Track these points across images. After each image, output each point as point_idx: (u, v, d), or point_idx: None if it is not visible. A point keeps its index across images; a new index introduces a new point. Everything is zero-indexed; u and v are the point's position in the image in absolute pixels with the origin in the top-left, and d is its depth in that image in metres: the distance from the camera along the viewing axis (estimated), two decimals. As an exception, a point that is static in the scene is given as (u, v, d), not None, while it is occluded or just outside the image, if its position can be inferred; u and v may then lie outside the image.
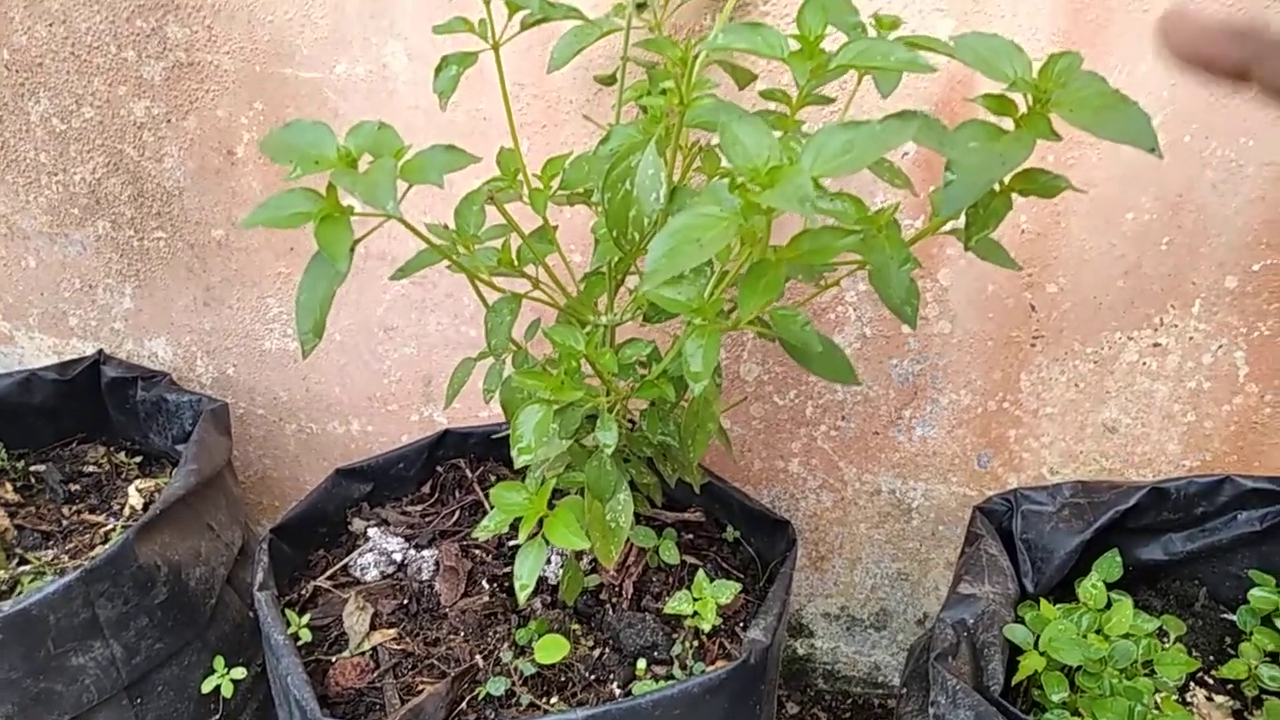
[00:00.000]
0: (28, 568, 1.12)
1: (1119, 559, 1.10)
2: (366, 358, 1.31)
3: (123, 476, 1.29)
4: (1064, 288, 1.12)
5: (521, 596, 0.83)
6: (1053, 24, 0.99)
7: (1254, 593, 1.03)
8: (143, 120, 1.22)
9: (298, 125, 0.68)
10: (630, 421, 0.93)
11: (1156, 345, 1.13)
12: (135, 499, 1.24)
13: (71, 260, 1.33)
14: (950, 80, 1.02)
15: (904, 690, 1.11)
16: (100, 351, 1.33)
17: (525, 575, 0.82)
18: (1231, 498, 1.07)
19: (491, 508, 1.13)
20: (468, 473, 1.22)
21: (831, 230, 0.62)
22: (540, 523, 0.82)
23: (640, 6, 0.83)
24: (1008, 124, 0.65)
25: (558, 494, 0.92)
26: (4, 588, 1.09)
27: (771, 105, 0.85)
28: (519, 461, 0.77)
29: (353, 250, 0.66)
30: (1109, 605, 1.03)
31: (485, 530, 0.89)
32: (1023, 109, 0.64)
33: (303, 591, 1.07)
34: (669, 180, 0.74)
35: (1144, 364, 1.14)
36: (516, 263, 0.87)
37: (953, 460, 1.24)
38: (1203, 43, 0.37)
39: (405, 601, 1.06)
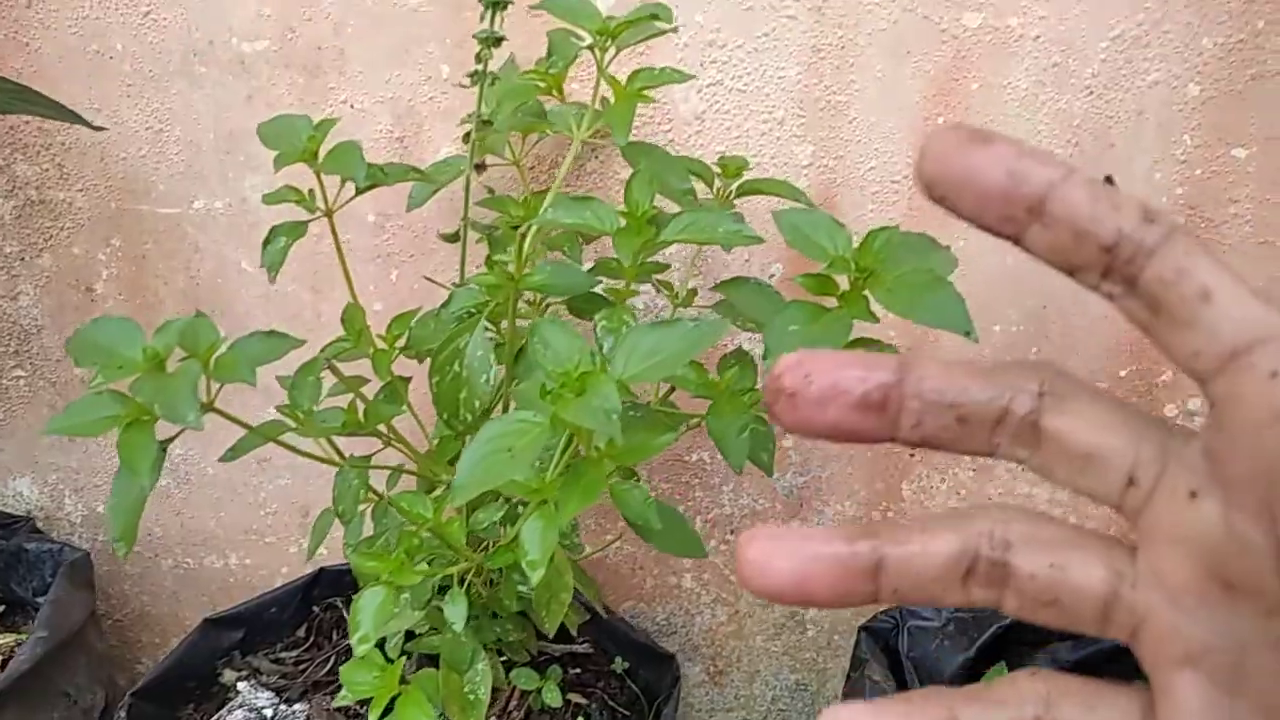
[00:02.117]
0: None
1: (1005, 671, 1.09)
2: (241, 490, 1.26)
3: (-18, 629, 1.22)
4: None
5: (380, 781, 0.79)
6: (910, 146, 0.99)
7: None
8: (-7, 259, 1.18)
9: (103, 323, 0.65)
10: (492, 579, 0.90)
11: (1034, 453, 1.13)
12: (-6, 654, 1.18)
13: (-75, 401, 1.27)
14: (820, 198, 1.03)
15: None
16: (-45, 498, 1.26)
17: (382, 760, 0.79)
18: (1111, 609, 1.07)
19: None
20: (345, 613, 1.17)
21: (650, 427, 0.60)
22: (392, 702, 0.79)
23: (479, 168, 0.81)
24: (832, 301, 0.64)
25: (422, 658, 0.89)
26: None
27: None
28: (358, 650, 0.73)
29: (162, 458, 0.63)
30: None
31: (342, 700, 0.85)
32: (845, 286, 0.64)
33: (167, 758, 1.02)
34: (512, 353, 0.72)
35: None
36: (364, 423, 0.84)
37: (843, 571, 1.23)
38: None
39: (275, 763, 1.01)
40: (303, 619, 1.17)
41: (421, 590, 0.79)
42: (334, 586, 1.18)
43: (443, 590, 0.81)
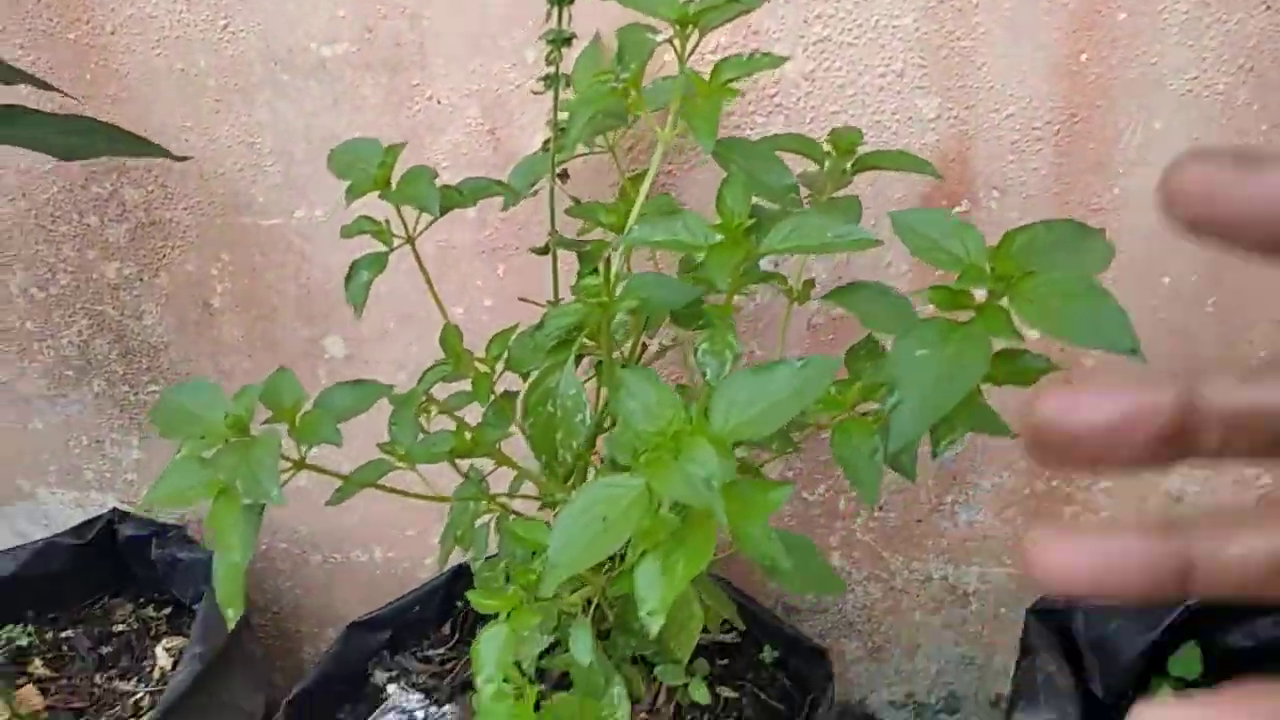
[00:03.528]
0: (58, 758, 1.10)
1: (1198, 653, 0.99)
2: (380, 484, 1.26)
3: (151, 634, 1.28)
4: (1101, 360, 1.00)
5: (519, 810, 0.77)
6: (1051, 89, 0.87)
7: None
8: (116, 281, 1.19)
9: (189, 387, 0.63)
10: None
11: (1219, 407, 1.01)
12: (164, 659, 1.22)
13: (75, 419, 1.31)
14: (951, 153, 0.92)
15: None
16: (114, 510, 1.31)
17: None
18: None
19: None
20: (486, 609, 1.16)
21: (765, 484, 0.53)
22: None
23: (562, 177, 0.75)
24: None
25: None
26: (34, 784, 1.08)
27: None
28: (485, 692, 0.70)
29: (255, 528, 0.60)
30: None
31: (483, 719, 0.83)
32: (980, 297, 0.55)
33: (325, 766, 1.03)
34: (608, 374, 0.66)
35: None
36: (473, 449, 0.80)
37: (1005, 542, 1.13)
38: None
39: (427, 770, 1.01)
40: (446, 615, 1.17)
41: (548, 620, 0.76)
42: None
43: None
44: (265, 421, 0.62)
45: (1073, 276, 0.51)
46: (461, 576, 1.16)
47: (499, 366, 0.78)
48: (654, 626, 0.61)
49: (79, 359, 1.26)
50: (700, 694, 1.02)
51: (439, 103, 0.97)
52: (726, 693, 1.04)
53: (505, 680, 0.72)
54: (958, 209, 0.94)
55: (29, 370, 1.29)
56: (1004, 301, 0.53)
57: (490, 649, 0.71)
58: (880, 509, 1.15)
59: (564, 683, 0.91)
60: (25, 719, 1.12)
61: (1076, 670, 0.98)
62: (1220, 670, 0.99)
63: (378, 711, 1.08)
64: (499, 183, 0.76)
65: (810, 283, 0.75)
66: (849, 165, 0.73)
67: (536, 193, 0.85)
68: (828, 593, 0.66)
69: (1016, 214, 0.92)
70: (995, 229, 0.57)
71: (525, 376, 0.82)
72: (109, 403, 1.29)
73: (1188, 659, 0.98)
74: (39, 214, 1.17)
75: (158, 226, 1.14)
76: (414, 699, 1.08)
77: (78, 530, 1.28)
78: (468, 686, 1.09)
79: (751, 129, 0.93)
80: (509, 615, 0.71)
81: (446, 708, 1.06)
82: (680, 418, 0.49)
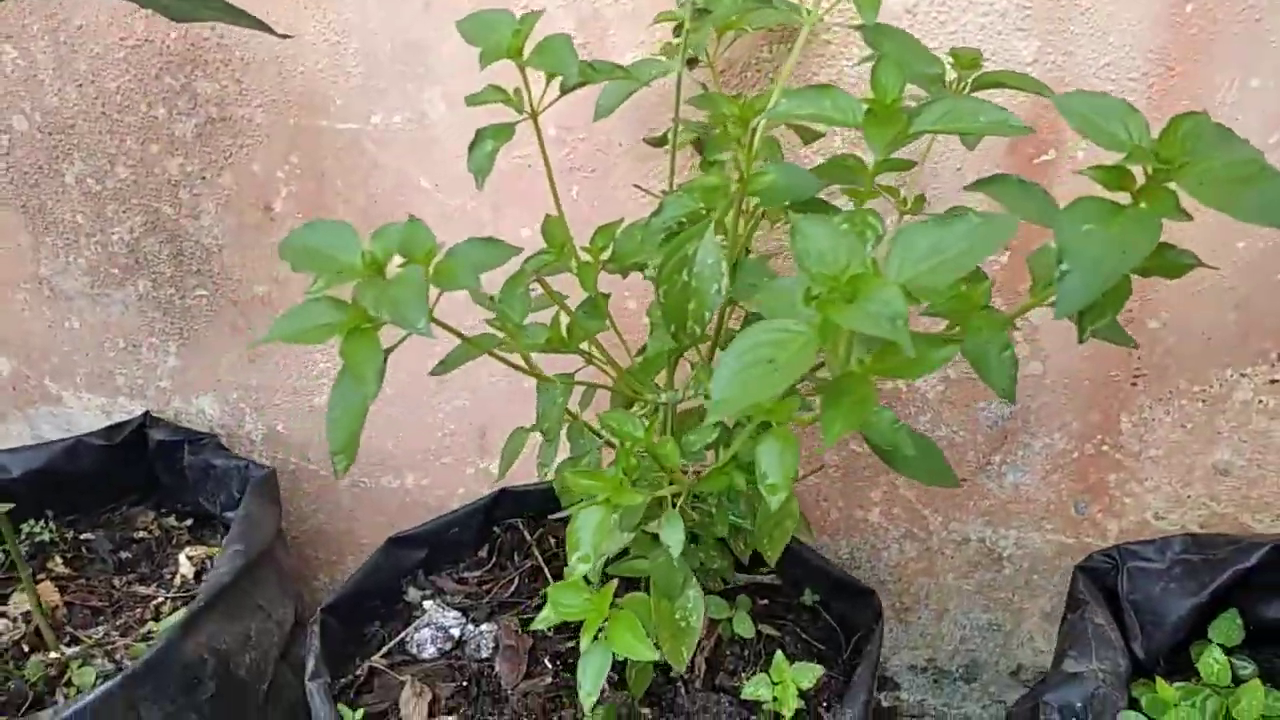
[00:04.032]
0: (76, 650, 1.08)
1: (1239, 621, 1.00)
2: (419, 410, 1.25)
3: (174, 542, 1.26)
4: (1167, 323, 1.02)
5: (587, 704, 0.76)
6: (1152, 39, 0.88)
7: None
8: (177, 178, 1.17)
9: (318, 226, 0.62)
10: (695, 500, 0.86)
11: (1274, 382, 1.02)
12: (186, 567, 1.20)
13: (114, 320, 1.29)
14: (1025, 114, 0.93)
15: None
16: (147, 414, 1.29)
17: (589, 684, 0.76)
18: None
19: (554, 576, 1.08)
20: (526, 534, 1.15)
21: (928, 338, 0.54)
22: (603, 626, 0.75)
23: (691, 63, 0.75)
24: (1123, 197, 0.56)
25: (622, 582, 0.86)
26: (52, 672, 1.06)
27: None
28: (578, 571, 0.70)
29: (384, 367, 0.60)
30: (1235, 681, 0.93)
31: (544, 623, 0.82)
32: (1140, 180, 0.55)
33: (358, 673, 1.02)
34: (730, 262, 0.66)
35: (1260, 402, 1.04)
36: (568, 340, 0.80)
37: (1048, 507, 1.14)
38: None
39: (464, 683, 1.00)
40: (484, 539, 1.16)
41: (633, 512, 0.75)
42: (515, 507, 1.16)
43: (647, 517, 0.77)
44: (400, 266, 0.61)
45: (1239, 160, 0.52)
46: (501, 502, 1.16)
47: (603, 258, 0.78)
48: (775, 500, 0.61)
49: (127, 257, 1.24)
50: (744, 627, 1.02)
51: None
52: (768, 630, 1.04)
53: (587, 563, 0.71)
54: (1044, 157, 0.96)
55: (73, 266, 1.27)
56: (1170, 185, 0.53)
57: (587, 527, 0.70)
58: (926, 466, 1.15)
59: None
60: (44, 612, 1.09)
61: (1120, 628, 0.99)
62: (1259, 641, 1.00)
63: (412, 626, 1.07)
64: (624, 69, 0.76)
65: (921, 197, 0.75)
66: (970, 80, 0.73)
67: (623, 104, 0.85)
68: (942, 485, 0.66)
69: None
70: (1080, 183, 0.57)
71: (624, 274, 0.82)
72: (152, 305, 1.27)
73: (1228, 626, 0.99)
74: (106, 102, 1.15)
75: (228, 123, 1.13)
76: (451, 616, 1.07)
77: (107, 432, 1.26)
78: (506, 607, 1.09)
79: (848, 60, 0.94)
80: (606, 498, 0.71)
81: (484, 627, 1.05)
82: (857, 262, 0.49)
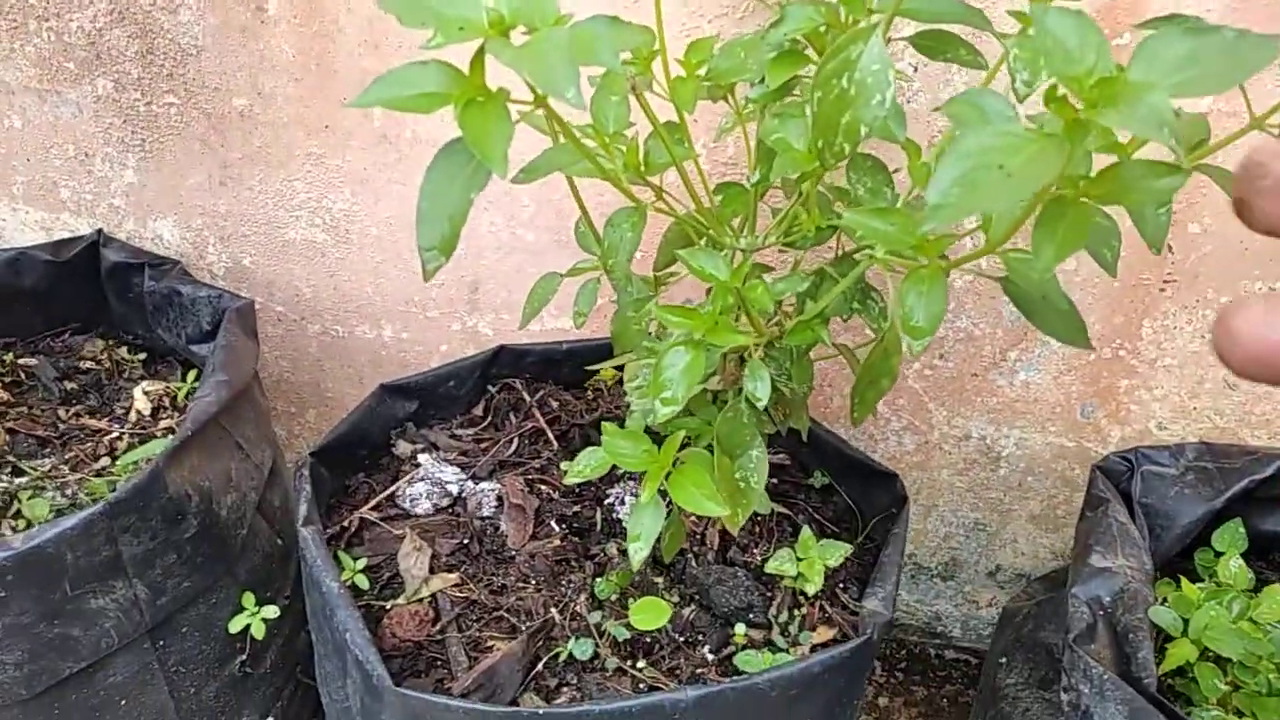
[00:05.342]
0: (23, 480, 0.97)
1: (1243, 531, 1.01)
2: (406, 256, 1.16)
3: (125, 376, 1.14)
4: (1207, 229, 1.00)
5: (636, 560, 0.71)
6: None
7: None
8: (158, -39, 1.03)
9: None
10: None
11: (1303, 298, 1.02)
12: (142, 403, 1.10)
13: (65, 123, 1.15)
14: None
15: (1003, 660, 1.02)
16: (100, 231, 1.16)
17: (644, 538, 0.70)
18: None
19: (558, 438, 1.02)
20: (525, 395, 1.08)
21: (1156, 165, 0.49)
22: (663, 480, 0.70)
23: None
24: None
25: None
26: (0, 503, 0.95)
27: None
28: (663, 415, 0.64)
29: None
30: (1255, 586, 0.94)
31: (578, 474, 0.76)
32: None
33: (346, 524, 0.94)
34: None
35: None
36: (644, 167, 0.72)
37: (1054, 408, 1.13)
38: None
39: (465, 541, 0.94)
40: (479, 397, 1.08)
41: (710, 363, 0.69)
42: (512, 367, 1.09)
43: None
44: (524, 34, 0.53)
45: None
46: (499, 360, 1.08)
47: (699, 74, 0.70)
48: (919, 346, 0.56)
49: (86, 50, 1.10)
50: (761, 503, 0.98)
51: None
52: (779, 508, 1.00)
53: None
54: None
55: (18, 54, 1.11)
56: None
57: (677, 367, 0.64)
58: (939, 357, 1.13)
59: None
60: (-18, 437, 0.98)
61: (1131, 529, 0.98)
62: (1262, 552, 1.02)
63: (405, 480, 0.99)
64: None
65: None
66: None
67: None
68: (1076, 344, 0.62)
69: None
70: None
71: (715, 99, 0.74)
72: (111, 109, 1.13)
73: (1232, 535, 1.00)
74: None
75: (226, -98, 0.99)
76: (449, 471, 0.99)
77: (55, 247, 1.13)
78: (507, 466, 1.02)
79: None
80: (701, 338, 0.65)
81: (485, 484, 0.99)
82: (1106, 65, 0.44)
